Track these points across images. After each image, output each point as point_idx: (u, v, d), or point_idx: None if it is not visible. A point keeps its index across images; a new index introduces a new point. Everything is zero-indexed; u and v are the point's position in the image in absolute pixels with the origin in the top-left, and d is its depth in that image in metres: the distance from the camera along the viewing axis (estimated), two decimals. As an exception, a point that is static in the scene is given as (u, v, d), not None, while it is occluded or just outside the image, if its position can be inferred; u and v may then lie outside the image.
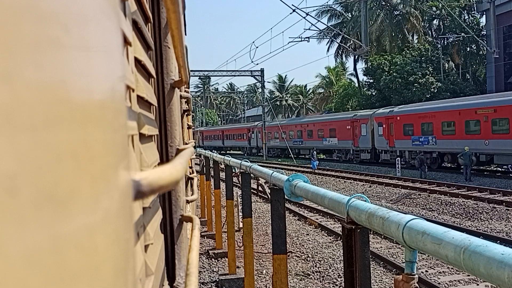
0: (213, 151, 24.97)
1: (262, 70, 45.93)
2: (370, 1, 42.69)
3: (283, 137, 45.18)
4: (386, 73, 40.55)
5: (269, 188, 4.65)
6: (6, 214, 0.25)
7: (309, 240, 12.56)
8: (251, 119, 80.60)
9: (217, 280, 9.08)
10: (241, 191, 7.40)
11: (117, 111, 0.47)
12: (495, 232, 12.72)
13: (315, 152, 33.96)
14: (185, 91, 3.48)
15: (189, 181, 3.62)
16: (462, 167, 23.81)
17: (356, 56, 49.66)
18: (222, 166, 9.67)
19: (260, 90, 51.40)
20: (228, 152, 58.92)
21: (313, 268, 10.16)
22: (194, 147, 7.75)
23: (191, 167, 4.64)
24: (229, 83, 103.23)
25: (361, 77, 51.64)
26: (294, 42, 37.58)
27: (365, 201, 2.47)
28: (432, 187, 20.48)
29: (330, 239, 12.64)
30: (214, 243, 11.45)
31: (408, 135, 29.10)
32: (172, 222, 1.90)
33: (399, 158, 27.68)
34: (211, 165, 12.85)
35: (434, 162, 27.57)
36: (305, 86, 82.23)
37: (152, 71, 1.63)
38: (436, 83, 39.00)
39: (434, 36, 46.51)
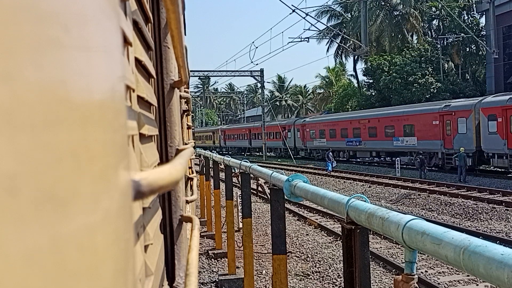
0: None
1: (261, 70, 45.93)
2: (369, 2, 42.68)
3: (315, 136, 39.59)
4: (386, 73, 40.56)
5: (269, 188, 4.65)
6: (6, 214, 0.25)
7: (309, 240, 12.55)
8: (250, 119, 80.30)
9: (217, 280, 9.08)
10: (240, 191, 7.40)
11: (117, 111, 0.47)
12: (495, 232, 12.72)
13: (330, 152, 30.84)
14: (184, 91, 3.48)
15: (189, 181, 3.62)
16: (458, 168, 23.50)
17: (356, 57, 49.69)
18: (222, 166, 9.67)
19: (260, 90, 51.31)
20: (255, 154, 53.87)
21: (313, 268, 10.16)
22: (194, 147, 7.75)
23: (190, 167, 4.64)
24: (229, 83, 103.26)
25: (361, 77, 51.72)
26: (293, 42, 37.57)
27: (364, 201, 2.47)
28: (432, 187, 20.49)
29: (330, 239, 12.64)
30: (214, 243, 11.45)
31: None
32: (171, 222, 1.90)
33: (398, 158, 27.55)
34: (210, 165, 12.85)
35: None
36: (305, 86, 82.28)
37: (152, 71, 1.63)
38: (436, 83, 39.01)
39: (433, 36, 46.52)
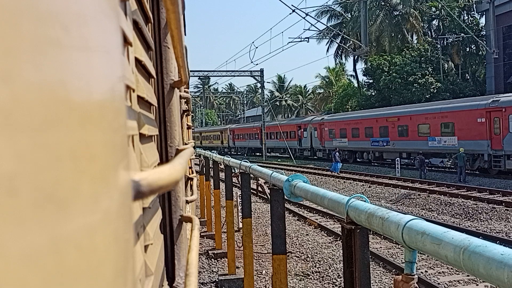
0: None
1: (261, 70, 45.93)
2: (369, 2, 42.69)
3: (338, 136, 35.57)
4: (386, 73, 40.57)
5: (269, 188, 4.65)
6: (6, 214, 0.25)
7: (309, 240, 12.55)
8: (250, 120, 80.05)
9: (217, 280, 9.08)
10: (240, 191, 7.41)
11: (117, 111, 0.47)
12: (495, 233, 12.72)
13: (337, 153, 29.49)
14: (184, 91, 3.48)
15: (189, 181, 3.62)
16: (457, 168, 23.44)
17: (356, 57, 49.66)
18: (222, 166, 9.67)
19: (260, 90, 51.19)
20: (271, 155, 49.91)
21: (313, 268, 10.15)
22: (194, 147, 7.75)
23: (190, 167, 4.64)
24: (229, 83, 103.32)
25: (361, 77, 51.73)
26: (293, 43, 37.57)
27: (364, 201, 2.47)
28: (432, 187, 20.49)
29: (330, 239, 12.64)
30: (214, 244, 11.45)
31: None
32: (171, 222, 1.90)
33: (398, 158, 27.56)
34: (210, 165, 12.85)
35: None
36: (305, 86, 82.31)
37: (152, 71, 1.63)
38: (436, 83, 39.02)
39: (433, 36, 46.54)
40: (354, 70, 53.53)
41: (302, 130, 42.19)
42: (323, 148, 39.09)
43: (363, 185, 23.23)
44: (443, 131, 25.90)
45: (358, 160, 35.08)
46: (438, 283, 8.64)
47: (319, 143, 39.50)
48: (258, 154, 52.93)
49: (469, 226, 13.61)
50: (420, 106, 29.71)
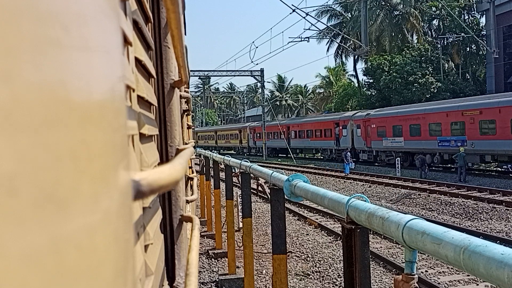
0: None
1: (262, 70, 45.92)
2: (370, 1, 42.70)
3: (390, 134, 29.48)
4: (386, 73, 40.56)
5: (269, 188, 4.65)
6: (6, 214, 0.25)
7: (309, 240, 12.56)
8: (251, 119, 79.65)
9: (217, 280, 9.08)
10: (241, 191, 7.40)
11: (117, 111, 0.47)
12: (495, 232, 12.72)
13: (348, 153, 27.77)
14: (185, 91, 3.48)
15: (189, 181, 3.62)
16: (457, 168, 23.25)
17: (356, 56, 49.68)
18: (222, 166, 9.67)
19: (260, 90, 51.10)
20: (298, 157, 44.18)
21: (313, 268, 10.16)
22: (194, 146, 7.76)
23: (191, 167, 4.64)
24: (229, 83, 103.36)
25: (361, 77, 51.74)
26: (294, 42, 37.60)
27: (365, 201, 2.47)
28: (432, 187, 20.49)
29: (330, 239, 12.64)
30: (214, 243, 11.45)
31: None
32: (172, 222, 1.90)
33: (398, 158, 27.48)
34: (211, 165, 12.85)
35: None
36: (305, 86, 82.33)
37: (152, 71, 1.63)
38: (436, 83, 39.02)
39: (434, 36, 46.54)
40: (354, 69, 53.59)
41: (340, 127, 35.73)
42: (368, 149, 32.51)
43: (363, 185, 23.23)
44: None
45: (415, 163, 26.63)
46: (439, 283, 8.64)
47: (363, 143, 32.76)
48: (283, 155, 47.16)
49: (469, 226, 13.61)
50: (494, 96, 24.28)
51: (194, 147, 8.37)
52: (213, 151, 20.31)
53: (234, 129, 59.92)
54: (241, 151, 55.77)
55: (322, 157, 39.90)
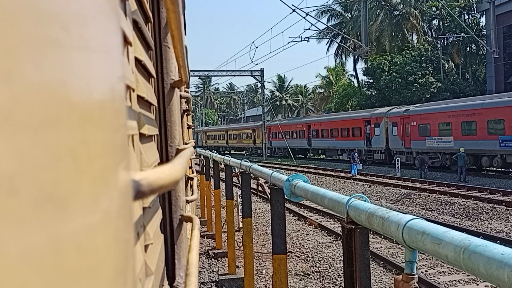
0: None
1: (262, 70, 45.92)
2: (370, 1, 42.69)
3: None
4: (386, 73, 40.57)
5: (269, 188, 4.65)
6: (6, 214, 0.25)
7: (309, 240, 12.56)
8: (251, 119, 79.39)
9: (217, 280, 9.08)
10: (241, 191, 7.40)
11: (117, 111, 0.47)
12: (495, 232, 12.72)
13: (356, 153, 26.50)
14: (185, 91, 3.48)
15: (189, 181, 3.62)
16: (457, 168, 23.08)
17: (356, 56, 49.68)
18: (222, 166, 9.67)
19: (260, 90, 51.03)
20: (315, 158, 40.59)
21: (313, 268, 10.16)
22: (194, 146, 7.76)
23: (191, 167, 4.64)
24: (229, 83, 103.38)
25: (361, 77, 51.76)
26: (294, 42, 37.61)
27: (365, 201, 2.47)
28: (432, 187, 20.49)
29: (330, 239, 12.64)
30: (214, 243, 11.45)
31: None
32: (172, 222, 1.90)
33: (398, 158, 27.41)
34: (211, 165, 12.85)
35: None
36: (305, 86, 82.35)
37: (152, 71, 1.63)
38: (436, 83, 39.03)
39: (434, 36, 46.55)
40: (354, 69, 53.59)
41: (372, 126, 31.91)
42: (406, 150, 28.42)
43: (363, 184, 23.23)
44: None
45: (473, 167, 23.77)
46: (439, 283, 8.64)
47: (400, 144, 28.89)
48: (301, 156, 42.85)
49: (469, 226, 13.61)
50: None
51: (194, 147, 8.36)
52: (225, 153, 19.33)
53: (247, 128, 55.47)
54: (255, 152, 51.45)
55: (348, 159, 33.15)
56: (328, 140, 37.64)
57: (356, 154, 26.53)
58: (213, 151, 10.75)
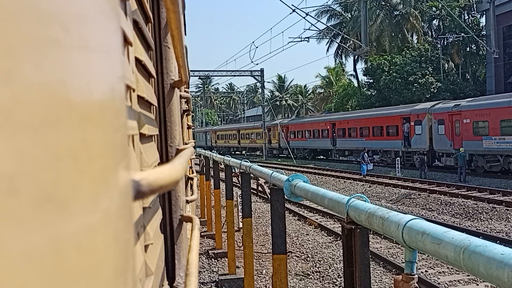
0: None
1: (262, 70, 45.90)
2: (370, 1, 42.69)
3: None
4: (386, 73, 40.57)
5: (269, 188, 4.65)
6: (6, 214, 0.25)
7: (309, 240, 12.56)
8: (251, 119, 79.24)
9: (217, 280, 9.08)
10: (241, 191, 7.40)
11: (117, 111, 0.47)
12: (495, 232, 12.72)
13: (366, 153, 25.35)
14: (185, 91, 3.48)
15: (189, 181, 3.62)
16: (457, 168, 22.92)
17: (356, 56, 49.68)
18: (222, 166, 9.67)
19: (260, 90, 50.96)
20: (339, 159, 36.64)
21: (313, 268, 10.16)
22: (194, 147, 7.76)
23: (191, 167, 4.64)
24: (229, 83, 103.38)
25: (361, 77, 51.76)
26: (294, 42, 37.58)
27: (365, 201, 2.47)
28: (432, 187, 20.49)
29: (330, 239, 12.64)
30: (214, 243, 11.45)
31: None
32: (172, 222, 1.90)
33: (398, 158, 27.41)
34: (211, 165, 12.86)
35: None
36: (305, 86, 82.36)
37: (152, 71, 1.63)
38: (436, 83, 39.03)
39: (434, 36, 46.56)
40: (354, 70, 53.58)
41: (411, 124, 27.72)
42: (456, 151, 23.81)
43: (363, 185, 23.23)
44: None
45: None
46: (438, 283, 8.64)
47: (449, 144, 24.90)
48: (322, 157, 39.51)
49: (469, 226, 13.61)
50: None
51: (194, 147, 8.35)
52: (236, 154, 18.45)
53: (261, 127, 49.54)
54: (270, 153, 47.66)
55: (380, 161, 29.95)
56: (357, 140, 32.71)
57: (365, 154, 25.24)
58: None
